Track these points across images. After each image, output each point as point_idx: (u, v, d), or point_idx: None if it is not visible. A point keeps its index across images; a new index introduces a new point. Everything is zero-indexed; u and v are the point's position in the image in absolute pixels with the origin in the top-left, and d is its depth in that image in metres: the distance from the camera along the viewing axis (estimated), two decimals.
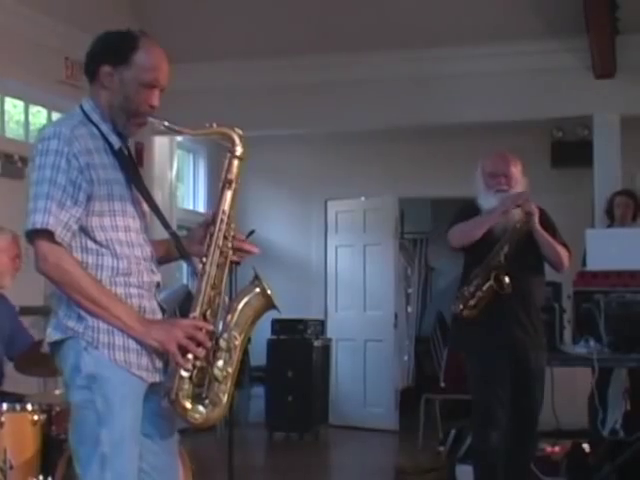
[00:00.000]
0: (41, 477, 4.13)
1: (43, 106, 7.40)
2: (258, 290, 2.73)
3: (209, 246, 2.69)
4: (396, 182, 9.14)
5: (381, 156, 9.24)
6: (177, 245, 2.76)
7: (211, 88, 7.92)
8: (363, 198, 9.28)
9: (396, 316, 9.09)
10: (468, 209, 4.76)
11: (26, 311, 6.43)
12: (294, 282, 8.88)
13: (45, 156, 2.56)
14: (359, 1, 7.69)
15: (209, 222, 2.73)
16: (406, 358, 10.44)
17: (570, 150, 8.58)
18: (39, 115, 7.48)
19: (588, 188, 7.84)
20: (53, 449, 4.20)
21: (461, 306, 4.61)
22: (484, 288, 4.56)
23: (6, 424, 4.03)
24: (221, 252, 2.69)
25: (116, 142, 2.68)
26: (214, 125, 2.74)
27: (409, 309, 10.84)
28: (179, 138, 8.75)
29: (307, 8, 7.77)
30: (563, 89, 7.61)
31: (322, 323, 9.03)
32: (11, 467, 4.00)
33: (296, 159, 9.49)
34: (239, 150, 2.74)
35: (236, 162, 2.74)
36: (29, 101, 7.21)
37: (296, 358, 8.45)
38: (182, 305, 6.87)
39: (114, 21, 6.98)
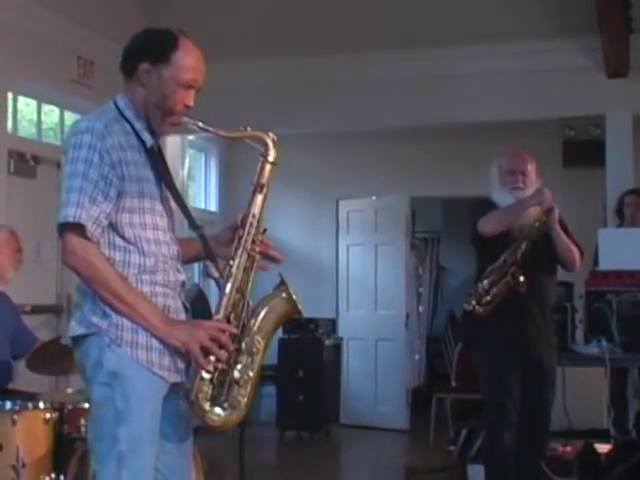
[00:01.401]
0: (53, 475, 4.15)
1: (55, 105, 7.42)
2: (284, 295, 2.72)
3: (237, 249, 2.68)
4: (407, 181, 9.12)
5: (392, 155, 9.23)
6: (204, 246, 2.74)
7: (221, 88, 7.89)
8: (374, 197, 9.26)
9: (407, 315, 9.06)
10: (485, 207, 4.73)
11: (38, 310, 6.46)
12: (305, 281, 8.81)
13: (78, 150, 2.55)
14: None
15: (238, 225, 2.73)
16: (417, 357, 10.41)
17: (582, 149, 8.54)
18: (51, 114, 7.49)
19: (600, 188, 7.80)
20: (65, 447, 4.22)
21: (474, 302, 4.59)
22: (500, 284, 4.54)
23: (19, 422, 4.05)
24: (248, 256, 2.69)
25: (149, 140, 2.68)
26: (248, 128, 2.73)
27: (420, 308, 10.81)
28: (190, 137, 8.75)
29: (320, 8, 7.77)
30: (575, 88, 7.58)
31: (333, 322, 9.03)
32: (23, 465, 4.02)
33: (307, 159, 9.48)
34: (272, 155, 2.73)
35: (269, 167, 2.73)
36: (41, 100, 7.22)
37: (307, 357, 8.44)
38: (193, 304, 6.88)
39: (126, 21, 7.06)
